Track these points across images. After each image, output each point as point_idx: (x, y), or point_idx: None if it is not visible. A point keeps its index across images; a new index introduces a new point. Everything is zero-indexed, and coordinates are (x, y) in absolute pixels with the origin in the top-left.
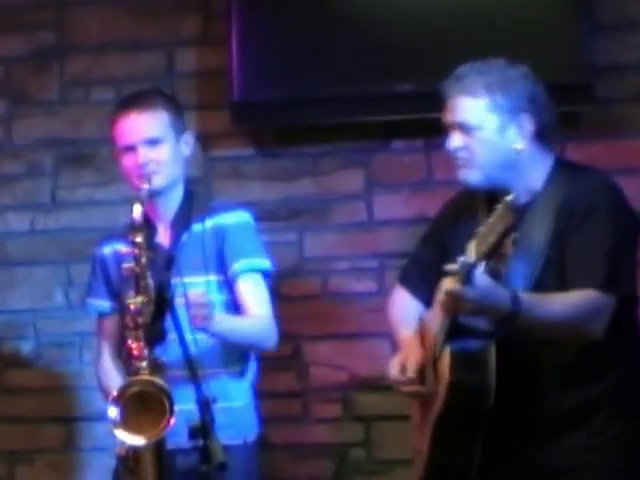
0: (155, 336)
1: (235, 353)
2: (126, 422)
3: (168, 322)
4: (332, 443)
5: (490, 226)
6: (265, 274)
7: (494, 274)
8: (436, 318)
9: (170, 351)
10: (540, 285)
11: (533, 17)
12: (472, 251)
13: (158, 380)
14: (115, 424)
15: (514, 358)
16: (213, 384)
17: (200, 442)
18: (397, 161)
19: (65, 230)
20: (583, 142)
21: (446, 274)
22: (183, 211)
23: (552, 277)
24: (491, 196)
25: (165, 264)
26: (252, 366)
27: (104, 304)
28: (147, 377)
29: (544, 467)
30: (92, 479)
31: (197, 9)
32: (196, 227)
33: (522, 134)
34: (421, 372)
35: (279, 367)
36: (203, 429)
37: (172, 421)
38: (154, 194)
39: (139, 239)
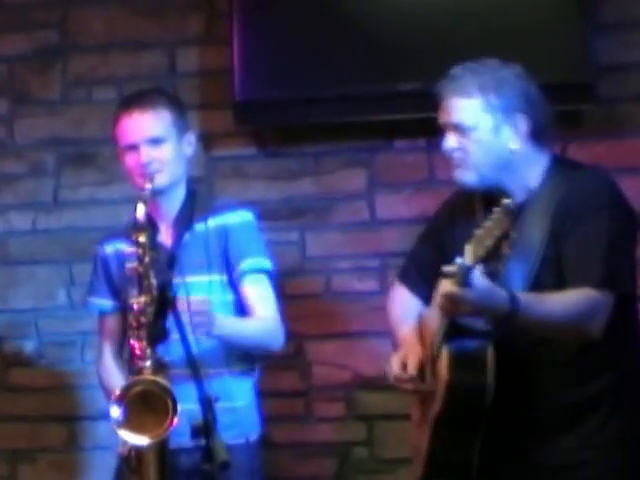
0: (157, 335)
1: (237, 352)
2: (129, 422)
3: (170, 321)
4: (335, 442)
5: (487, 230)
6: (270, 274)
7: (492, 274)
8: (435, 317)
9: (172, 350)
10: (538, 284)
11: (536, 17)
12: (469, 254)
13: (161, 380)
14: (118, 424)
15: (513, 357)
16: (215, 383)
17: (202, 441)
18: (399, 160)
19: (67, 229)
20: (586, 142)
21: (444, 275)
22: (185, 210)
23: (550, 276)
24: (488, 195)
25: (167, 263)
26: (255, 365)
27: (106, 303)
28: (150, 377)
29: (544, 466)
30: (95, 478)
31: (200, 9)
32: (199, 227)
33: (517, 134)
34: (421, 370)
35: (282, 366)
36: (205, 428)
37: (175, 421)
38: (157, 193)
39: (142, 239)
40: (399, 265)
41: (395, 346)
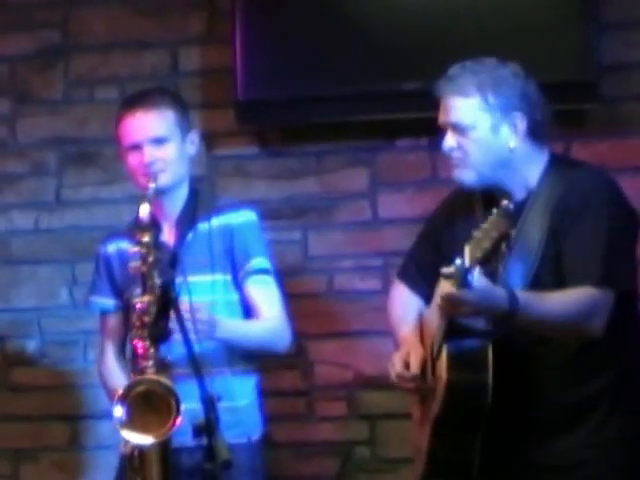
0: (159, 335)
1: (240, 352)
2: (132, 421)
3: (172, 321)
4: (337, 441)
5: (484, 232)
6: (275, 274)
7: (491, 274)
8: (435, 317)
9: (174, 349)
10: (537, 283)
11: (538, 16)
12: (467, 255)
13: (165, 379)
14: (121, 423)
15: (513, 357)
16: (218, 383)
17: (204, 440)
18: (402, 160)
19: (70, 229)
20: (589, 141)
21: (443, 277)
22: (188, 210)
23: (549, 274)
24: (487, 194)
25: (169, 263)
26: (257, 364)
27: (108, 302)
28: (154, 376)
29: (544, 465)
30: (97, 477)
31: (202, 8)
32: (202, 226)
33: (515, 132)
34: (422, 370)
35: (284, 365)
36: (207, 427)
37: (179, 421)
38: (160, 193)
39: (146, 238)
40: (399, 263)
41: (396, 346)
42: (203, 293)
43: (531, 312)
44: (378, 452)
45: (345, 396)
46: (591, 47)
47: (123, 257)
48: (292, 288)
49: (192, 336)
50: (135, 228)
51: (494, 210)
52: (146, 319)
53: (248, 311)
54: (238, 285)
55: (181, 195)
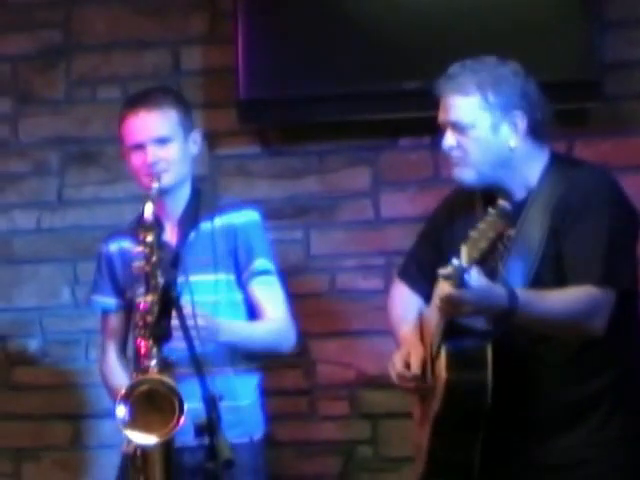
0: (161, 334)
1: (243, 352)
2: (135, 421)
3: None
4: (339, 440)
5: (481, 232)
6: (278, 274)
7: (491, 273)
8: (434, 316)
9: (176, 349)
10: (537, 282)
11: (541, 15)
12: (464, 255)
13: (168, 379)
14: (124, 423)
15: (513, 356)
16: (220, 382)
17: (206, 440)
18: (404, 159)
19: (71, 228)
20: (592, 139)
21: (441, 277)
22: (191, 209)
23: (549, 274)
24: (487, 193)
25: (171, 262)
26: (259, 364)
27: (109, 301)
28: (157, 376)
29: (544, 465)
30: (99, 477)
31: (203, 8)
32: (204, 226)
33: (515, 131)
34: (423, 369)
35: (286, 364)
36: (209, 427)
37: (182, 420)
38: (163, 193)
39: (150, 238)
40: (399, 262)
41: (397, 345)
42: (206, 293)
43: (531, 310)
44: (380, 451)
45: (347, 395)
46: (594, 45)
47: (125, 256)
48: (294, 287)
49: (194, 337)
50: (138, 228)
51: (490, 210)
52: (149, 319)
53: (252, 311)
54: (242, 285)
55: (183, 195)
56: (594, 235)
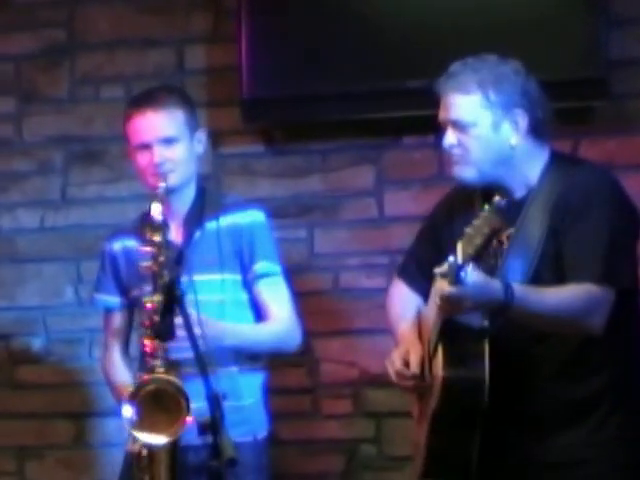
0: (164, 332)
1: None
2: (142, 420)
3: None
4: (342, 439)
5: (476, 228)
6: (284, 274)
7: (490, 271)
8: (432, 314)
9: (180, 348)
10: (537, 280)
11: (547, 12)
12: (459, 252)
13: (174, 379)
14: (131, 422)
15: (512, 354)
16: (224, 381)
17: (210, 438)
18: (408, 157)
19: (75, 227)
20: (597, 138)
21: (437, 276)
22: (196, 209)
23: (549, 272)
24: (487, 191)
25: (175, 261)
26: (263, 363)
27: (112, 299)
28: (164, 375)
29: (544, 463)
30: (102, 475)
31: (207, 7)
32: (210, 225)
33: (516, 130)
34: (421, 367)
35: (289, 363)
36: (213, 425)
37: (188, 420)
38: (169, 192)
39: (157, 238)
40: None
41: (395, 343)
42: (212, 292)
43: (527, 304)
44: (384, 450)
45: (351, 394)
46: (599, 43)
47: (129, 255)
48: (298, 286)
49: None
50: (146, 227)
51: (486, 206)
52: (156, 318)
53: (258, 311)
54: (247, 286)
55: (189, 194)
56: (594, 234)
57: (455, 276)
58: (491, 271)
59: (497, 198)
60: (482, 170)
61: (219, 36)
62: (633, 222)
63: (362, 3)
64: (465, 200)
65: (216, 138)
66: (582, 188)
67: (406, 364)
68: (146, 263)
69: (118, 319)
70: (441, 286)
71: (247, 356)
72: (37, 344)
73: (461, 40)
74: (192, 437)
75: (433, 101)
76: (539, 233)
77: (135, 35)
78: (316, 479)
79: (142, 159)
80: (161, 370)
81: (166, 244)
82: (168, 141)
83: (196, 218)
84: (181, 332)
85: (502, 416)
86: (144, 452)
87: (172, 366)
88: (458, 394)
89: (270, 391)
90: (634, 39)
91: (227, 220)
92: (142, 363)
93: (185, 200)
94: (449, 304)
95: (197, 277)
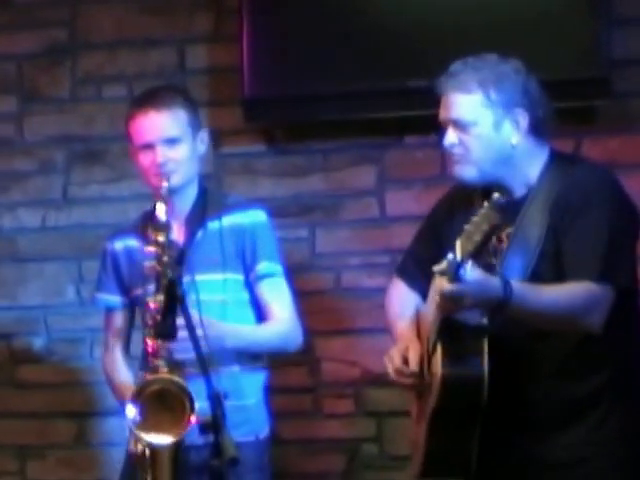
0: (165, 332)
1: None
2: (145, 420)
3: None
4: (344, 438)
5: (475, 225)
6: (286, 274)
7: (489, 270)
8: (431, 312)
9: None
10: (536, 279)
11: (549, 11)
12: (459, 249)
13: (179, 379)
14: (135, 423)
15: (512, 352)
16: (226, 381)
17: (211, 438)
18: (409, 157)
19: (76, 226)
20: (600, 137)
21: (436, 273)
22: (198, 208)
23: (548, 271)
24: (487, 190)
25: (176, 260)
26: (265, 362)
27: (114, 299)
28: (168, 375)
29: (543, 461)
30: (103, 474)
31: (208, 6)
32: (212, 224)
33: (517, 129)
34: (420, 366)
35: (291, 362)
36: (214, 425)
37: (193, 420)
38: (171, 192)
39: (162, 238)
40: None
41: (394, 341)
42: (214, 292)
43: (526, 301)
44: (385, 449)
45: (352, 393)
46: (601, 42)
47: (131, 254)
48: (299, 285)
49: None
50: (150, 227)
51: (485, 203)
52: (158, 318)
53: (260, 311)
54: (249, 285)
55: (191, 194)
56: (594, 233)
57: (454, 273)
58: (490, 270)
59: (496, 195)
60: (483, 169)
61: (220, 36)
62: (633, 221)
63: (363, 2)
64: (465, 199)
65: (217, 138)
66: (582, 187)
67: (405, 361)
68: (150, 263)
69: (119, 318)
70: (440, 284)
71: (249, 355)
72: (38, 343)
73: (463, 39)
74: (194, 437)
75: (435, 100)
76: (538, 232)
77: (137, 35)
78: (317, 478)
79: (145, 159)
80: (165, 370)
81: (169, 244)
82: (171, 141)
83: (198, 218)
84: (183, 332)
85: (501, 415)
86: (147, 452)
87: (175, 366)
88: (457, 392)
89: (271, 390)
90: (636, 38)
91: (229, 220)
92: (145, 363)
93: (187, 200)
94: (448, 302)
95: (199, 277)
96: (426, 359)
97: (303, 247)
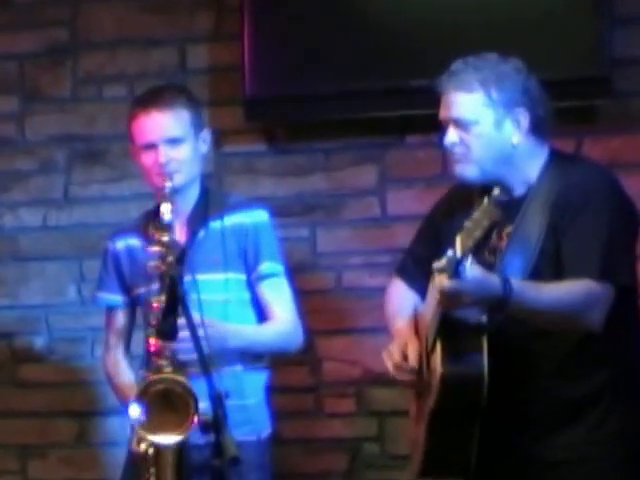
0: (167, 331)
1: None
2: (149, 420)
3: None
4: (345, 438)
5: (475, 221)
6: (287, 275)
7: (487, 267)
8: (430, 311)
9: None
10: (536, 278)
11: (550, 10)
12: (459, 245)
13: (183, 379)
14: (139, 422)
15: (512, 351)
16: (228, 380)
17: (212, 437)
18: (411, 156)
19: (77, 226)
20: (601, 137)
21: (436, 270)
22: (200, 208)
23: (548, 270)
24: (487, 189)
25: (177, 259)
26: (267, 362)
27: (115, 298)
28: (172, 375)
29: (543, 460)
30: (105, 474)
31: (209, 5)
32: (214, 224)
33: (518, 128)
34: (419, 364)
35: (292, 362)
36: (215, 424)
37: (196, 419)
38: (174, 192)
39: (166, 238)
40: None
41: (391, 339)
42: (216, 291)
43: (526, 299)
44: (387, 448)
45: (354, 392)
46: (603, 41)
47: (132, 254)
48: (301, 285)
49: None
50: (154, 227)
51: (485, 199)
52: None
53: (260, 310)
54: (251, 286)
55: (192, 193)
56: (594, 231)
57: (454, 270)
58: (490, 268)
59: (496, 191)
60: (484, 168)
61: (222, 35)
62: (632, 221)
63: (364, 2)
64: (464, 199)
65: (218, 137)
66: (581, 187)
67: (404, 357)
68: (154, 263)
69: (120, 318)
70: (440, 280)
71: (251, 355)
72: (40, 343)
73: (464, 39)
74: (195, 436)
75: (436, 100)
76: (538, 231)
77: (138, 34)
78: (319, 478)
79: (147, 159)
80: (169, 370)
81: (172, 244)
82: (174, 141)
83: (200, 217)
84: (184, 332)
85: (501, 414)
86: (150, 452)
87: (179, 366)
88: (457, 390)
89: (273, 390)
90: (638, 37)
91: (232, 219)
92: (148, 362)
93: (189, 200)
94: (448, 298)
95: (201, 276)
96: (425, 358)
97: (304, 247)
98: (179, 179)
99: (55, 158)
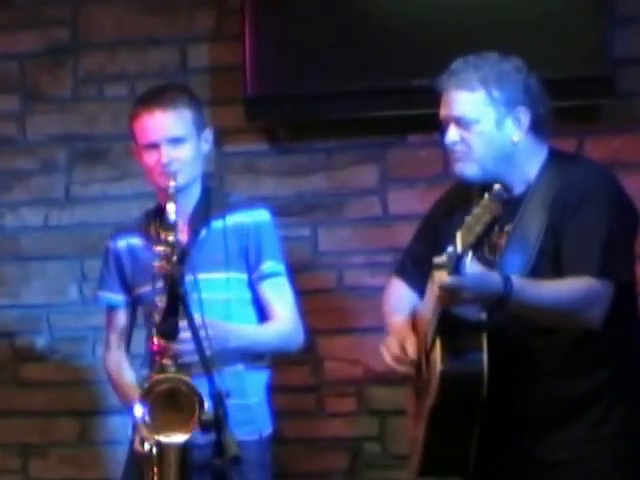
0: (167, 331)
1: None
2: (154, 420)
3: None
4: (347, 437)
5: (476, 216)
6: (288, 274)
7: (486, 265)
8: (428, 310)
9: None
10: (535, 276)
11: (553, 10)
12: (459, 241)
13: (188, 378)
14: (144, 422)
15: (512, 349)
16: (229, 379)
17: (213, 436)
18: (412, 155)
19: (79, 225)
20: (603, 136)
21: (436, 267)
22: (201, 207)
23: (547, 268)
24: (486, 187)
25: (178, 259)
26: (268, 361)
27: (116, 297)
28: (177, 375)
29: (543, 459)
30: (106, 473)
31: (210, 5)
32: (215, 224)
33: (519, 127)
34: (417, 362)
35: (293, 361)
36: (216, 423)
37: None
38: (176, 192)
39: (171, 238)
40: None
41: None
42: (218, 291)
43: (526, 297)
44: (388, 448)
45: (355, 392)
46: (605, 41)
47: (134, 253)
48: (302, 284)
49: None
50: (158, 226)
51: (485, 195)
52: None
53: (262, 310)
54: (252, 285)
55: (194, 193)
56: (593, 229)
57: (454, 266)
58: (490, 266)
59: (497, 186)
60: (484, 167)
61: (222, 35)
62: (632, 219)
63: (366, 2)
64: (464, 198)
65: (220, 136)
66: (580, 186)
67: (404, 350)
68: (159, 262)
69: (121, 317)
70: (440, 276)
71: (252, 354)
72: (41, 342)
73: (466, 38)
74: (197, 435)
75: (438, 99)
76: (537, 229)
77: (138, 34)
78: (320, 477)
79: (149, 158)
80: (173, 369)
81: (177, 244)
82: (176, 141)
83: (202, 217)
84: (185, 333)
85: (501, 412)
86: (153, 451)
87: (184, 365)
88: (456, 388)
89: (274, 389)
90: (639, 37)
91: (233, 219)
92: (150, 361)
93: (190, 199)
94: (448, 294)
95: (202, 276)
96: (424, 356)
97: (305, 246)
98: (181, 179)
99: (56, 158)
